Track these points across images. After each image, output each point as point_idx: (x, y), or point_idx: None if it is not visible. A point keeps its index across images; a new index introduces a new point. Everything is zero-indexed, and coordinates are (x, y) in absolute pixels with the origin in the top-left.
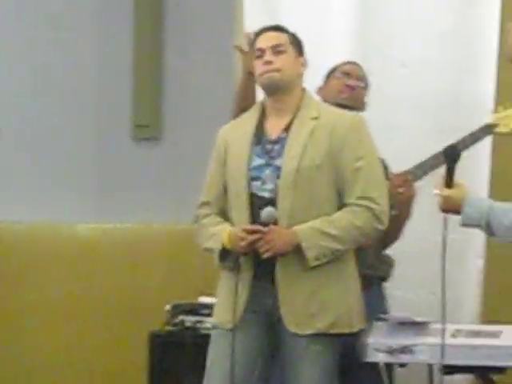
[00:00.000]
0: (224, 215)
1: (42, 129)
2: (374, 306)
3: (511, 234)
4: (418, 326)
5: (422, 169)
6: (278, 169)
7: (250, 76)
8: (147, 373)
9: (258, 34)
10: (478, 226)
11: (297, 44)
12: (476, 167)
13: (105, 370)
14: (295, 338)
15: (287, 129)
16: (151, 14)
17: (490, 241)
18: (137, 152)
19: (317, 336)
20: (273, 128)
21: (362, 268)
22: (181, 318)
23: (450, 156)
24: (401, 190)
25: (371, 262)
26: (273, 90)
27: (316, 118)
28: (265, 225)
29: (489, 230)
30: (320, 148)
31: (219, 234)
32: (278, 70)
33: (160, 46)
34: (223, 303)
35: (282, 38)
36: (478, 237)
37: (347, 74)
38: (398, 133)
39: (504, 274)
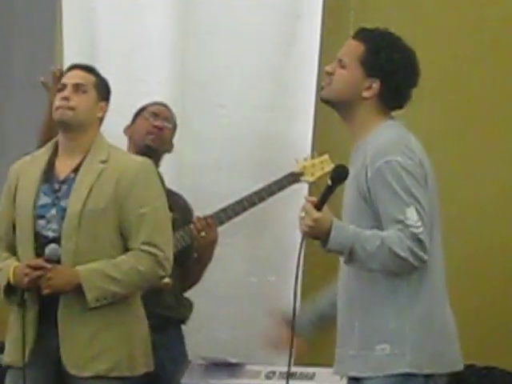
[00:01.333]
0: (13, 251)
1: None
2: (172, 348)
3: (371, 261)
4: (233, 367)
5: (226, 213)
6: (64, 209)
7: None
8: None
9: (68, 69)
10: (341, 250)
11: (102, 88)
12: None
13: None
14: (76, 380)
15: (76, 170)
16: None
17: (305, 283)
18: None
19: (100, 379)
20: (62, 168)
21: (160, 309)
22: None
23: (339, 176)
24: (203, 233)
25: (170, 304)
26: (63, 126)
27: (105, 162)
28: (49, 261)
29: (351, 255)
30: (105, 192)
31: (5, 268)
32: (72, 108)
33: None
34: (12, 341)
35: (87, 78)
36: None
37: (155, 115)
38: (217, 174)
39: None
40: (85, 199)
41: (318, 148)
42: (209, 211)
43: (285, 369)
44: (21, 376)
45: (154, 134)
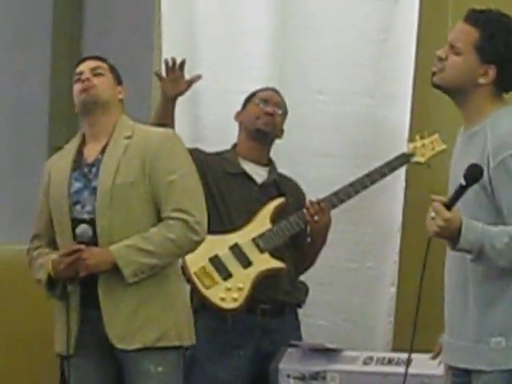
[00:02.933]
0: (54, 245)
1: None
2: (288, 333)
3: (499, 259)
4: (330, 353)
5: (338, 197)
6: (95, 189)
7: (168, 102)
8: None
9: (79, 62)
10: (471, 249)
11: (115, 73)
12: (390, 198)
13: None
14: (125, 355)
15: (103, 151)
16: (69, 36)
17: (402, 269)
18: None
19: (146, 350)
20: (90, 152)
21: (276, 294)
22: None
23: (473, 175)
24: (316, 217)
25: (286, 289)
26: (89, 107)
27: (129, 137)
28: (81, 243)
29: (480, 253)
30: (133, 165)
31: (46, 263)
32: (95, 87)
33: (79, 52)
34: (58, 333)
35: (100, 64)
36: (391, 265)
37: (265, 101)
38: (315, 159)
39: (415, 302)
40: (114, 175)
41: (415, 134)
42: (314, 197)
43: (382, 354)
44: (71, 364)
45: (265, 120)
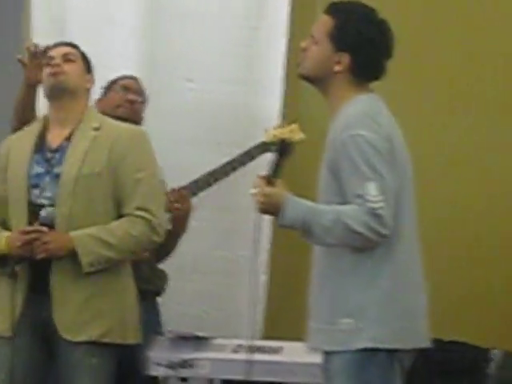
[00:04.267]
0: (4, 224)
1: None
2: (149, 320)
3: (327, 235)
4: (199, 341)
5: (198, 185)
6: (57, 176)
7: (30, 89)
8: None
9: (51, 47)
10: (295, 226)
11: (86, 62)
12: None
13: None
14: (70, 347)
15: (68, 138)
16: None
17: (274, 257)
18: None
19: (91, 345)
20: (54, 137)
21: (136, 282)
22: None
23: (282, 149)
24: (177, 205)
25: (146, 276)
26: (57, 92)
27: (97, 129)
28: (44, 225)
29: (306, 230)
30: (100, 157)
31: None
32: (64, 73)
33: None
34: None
35: (72, 50)
36: (263, 253)
37: (126, 88)
38: (177, 146)
39: (286, 290)
40: (80, 164)
41: (287, 122)
42: (175, 184)
43: (251, 342)
44: (7, 345)
45: (126, 108)
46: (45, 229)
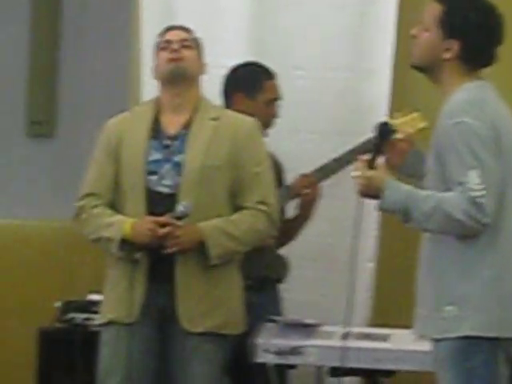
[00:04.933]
0: (112, 208)
1: None
2: (269, 308)
3: (427, 222)
4: (308, 328)
5: (323, 172)
6: (178, 165)
7: None
8: (35, 370)
9: (167, 29)
10: (395, 210)
11: (200, 48)
12: None
13: None
14: (187, 336)
15: (186, 126)
16: (48, 9)
17: (382, 245)
18: (30, 148)
19: (208, 335)
20: (170, 124)
21: (259, 269)
22: (71, 315)
23: (383, 133)
24: (306, 190)
25: (269, 263)
26: (176, 79)
27: (216, 119)
28: (177, 219)
29: (406, 215)
30: (222, 148)
31: (118, 223)
32: (184, 60)
33: (55, 42)
34: (117, 299)
35: (189, 36)
36: (370, 240)
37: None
38: (297, 136)
39: (394, 277)
40: (203, 155)
41: (394, 109)
42: (289, 174)
43: (360, 330)
44: (126, 332)
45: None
46: (179, 223)
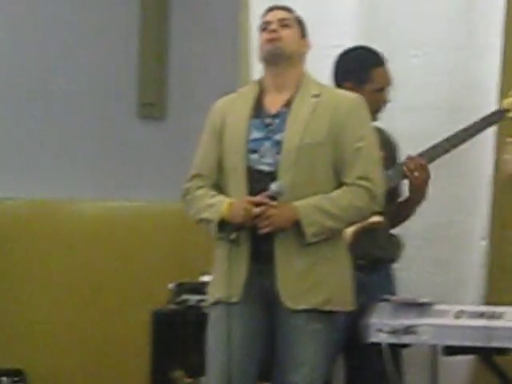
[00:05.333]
0: (217, 189)
1: (44, 104)
2: (383, 288)
3: None
4: (421, 307)
5: (436, 151)
6: (278, 143)
7: None
8: (149, 351)
9: (268, 10)
10: None
11: (301, 26)
12: (480, 151)
13: (106, 347)
14: (291, 314)
15: (287, 104)
16: None
17: (495, 222)
18: (141, 130)
19: (312, 312)
20: (272, 103)
21: (373, 249)
22: (184, 296)
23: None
24: (416, 173)
25: (382, 243)
26: (275, 59)
27: (317, 96)
28: (271, 198)
29: None
30: (322, 125)
31: (218, 204)
32: (281, 39)
33: (166, 25)
34: (221, 279)
35: (288, 15)
36: (483, 218)
37: None
38: (410, 114)
39: (508, 255)
40: (302, 133)
41: (505, 87)
42: (404, 152)
43: (474, 308)
44: (229, 312)
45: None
46: (273, 203)
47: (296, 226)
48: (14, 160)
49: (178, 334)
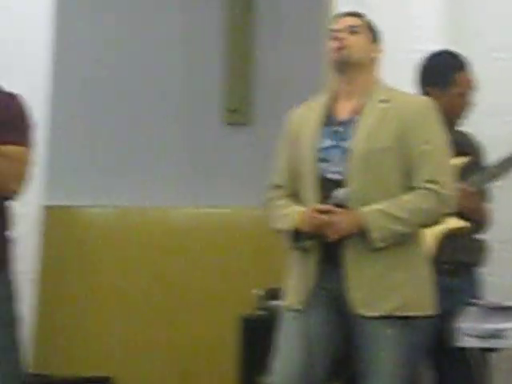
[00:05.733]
0: (296, 198)
1: (131, 113)
2: (467, 292)
3: None
4: (508, 311)
5: (484, 177)
6: (346, 151)
7: None
8: (237, 357)
9: (336, 17)
10: None
11: (373, 30)
12: None
13: (194, 354)
14: (364, 320)
15: (357, 111)
16: (242, 2)
17: None
18: (227, 136)
19: (387, 319)
20: (342, 110)
21: (457, 254)
22: (271, 302)
23: None
24: (464, 203)
25: (463, 247)
26: (342, 67)
27: (386, 101)
28: (337, 206)
29: None
30: (389, 131)
31: (291, 214)
32: (347, 47)
33: (250, 32)
34: (293, 286)
35: (357, 21)
36: None
37: None
38: (496, 118)
39: None
40: (368, 139)
41: None
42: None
43: None
44: (300, 317)
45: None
46: (337, 210)
47: (363, 232)
48: (105, 168)
49: (264, 340)
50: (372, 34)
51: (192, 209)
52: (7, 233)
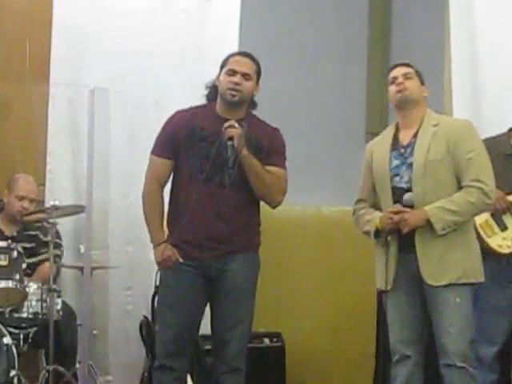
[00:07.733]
0: (375, 207)
1: (306, 135)
2: None
3: None
4: None
5: None
6: (411, 165)
7: None
8: (376, 323)
9: (392, 68)
10: None
11: (420, 77)
12: None
13: (342, 319)
14: (435, 291)
15: (415, 135)
16: (380, 45)
17: None
18: None
19: (452, 287)
20: (404, 136)
21: None
22: None
23: None
24: (498, 205)
25: None
26: (403, 105)
27: (436, 125)
28: (406, 206)
29: None
30: (441, 146)
31: (373, 219)
32: (407, 89)
33: (388, 60)
34: (379, 273)
35: (409, 69)
36: None
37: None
38: None
39: None
40: (426, 154)
41: None
42: None
43: None
44: (390, 296)
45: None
46: (406, 209)
47: (428, 224)
48: (303, 173)
49: None
50: (420, 78)
51: (343, 207)
52: (259, 226)
